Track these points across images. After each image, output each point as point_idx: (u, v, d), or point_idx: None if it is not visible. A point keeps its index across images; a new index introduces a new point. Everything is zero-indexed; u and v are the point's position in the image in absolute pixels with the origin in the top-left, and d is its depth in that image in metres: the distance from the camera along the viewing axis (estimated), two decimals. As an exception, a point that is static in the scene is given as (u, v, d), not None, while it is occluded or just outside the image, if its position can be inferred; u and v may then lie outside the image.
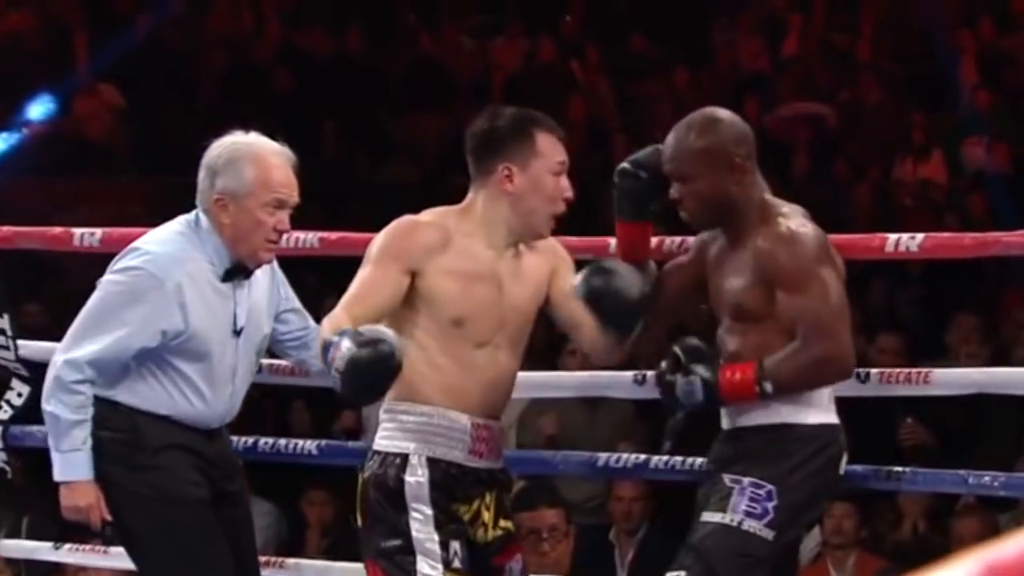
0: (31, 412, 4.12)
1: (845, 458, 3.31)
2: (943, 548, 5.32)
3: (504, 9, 11.06)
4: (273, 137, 3.42)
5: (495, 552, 3.28)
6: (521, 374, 3.37)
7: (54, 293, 7.38)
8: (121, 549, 3.58)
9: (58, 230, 4.10)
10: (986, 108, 9.39)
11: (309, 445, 3.96)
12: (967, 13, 10.13)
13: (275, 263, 3.49)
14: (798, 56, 10.22)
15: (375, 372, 3.02)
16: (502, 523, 3.29)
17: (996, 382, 3.66)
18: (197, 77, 10.29)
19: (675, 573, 3.23)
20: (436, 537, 3.15)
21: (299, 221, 3.64)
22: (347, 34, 10.52)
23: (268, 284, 3.47)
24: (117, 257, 3.37)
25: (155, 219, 3.59)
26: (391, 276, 3.14)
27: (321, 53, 10.45)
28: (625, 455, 3.90)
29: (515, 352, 3.29)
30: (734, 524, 3.20)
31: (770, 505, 3.20)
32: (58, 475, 3.34)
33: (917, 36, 10.12)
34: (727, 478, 3.23)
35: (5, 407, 4.10)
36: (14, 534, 5.78)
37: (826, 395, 3.27)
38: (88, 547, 4.06)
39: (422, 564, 3.15)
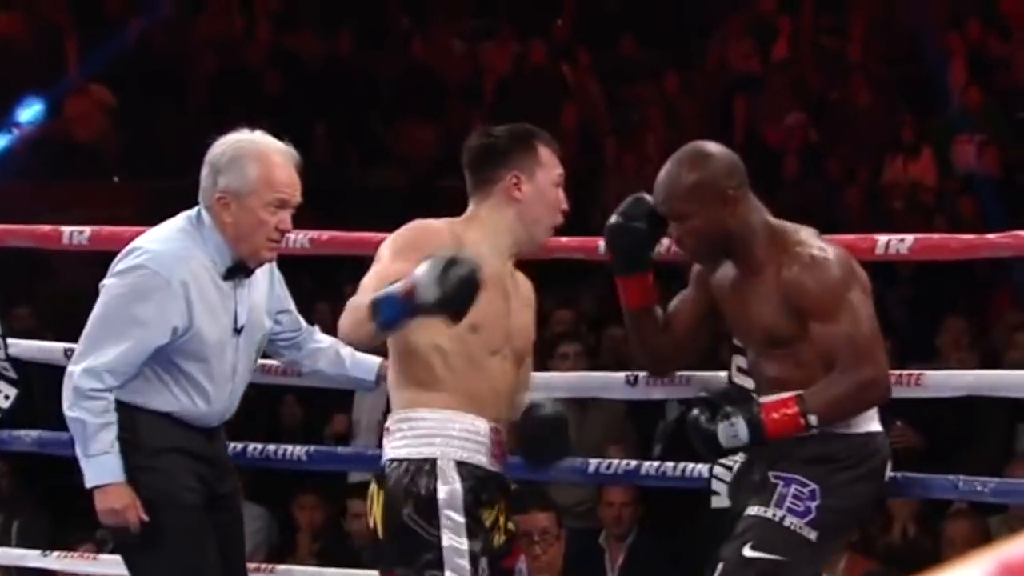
0: (18, 416, 4.12)
1: (889, 465, 3.32)
2: (933, 551, 5.33)
3: (495, 13, 11.06)
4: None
5: (504, 555, 3.28)
6: None
7: (43, 296, 7.38)
8: (110, 556, 3.57)
9: (47, 228, 4.07)
10: (976, 107, 9.42)
11: (299, 451, 3.95)
12: (955, 15, 10.15)
13: (273, 262, 3.48)
14: (788, 59, 10.23)
15: (463, 271, 2.93)
16: (508, 525, 3.30)
17: (986, 384, 3.66)
18: (187, 80, 10.29)
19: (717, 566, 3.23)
20: (467, 547, 3.12)
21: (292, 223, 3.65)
22: (338, 37, 10.52)
23: (267, 283, 3.47)
24: (118, 257, 3.35)
25: (146, 222, 3.58)
26: (410, 269, 3.02)
27: (312, 56, 10.44)
28: (616, 461, 3.89)
29: (520, 370, 3.30)
30: (776, 519, 3.20)
31: (813, 504, 3.20)
32: (89, 481, 3.30)
33: (906, 39, 10.14)
34: (772, 475, 3.23)
35: (-9, 410, 4.07)
36: (4, 538, 5.78)
37: (874, 412, 3.28)
38: (77, 554, 4.06)
39: None
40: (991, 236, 3.47)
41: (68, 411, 3.30)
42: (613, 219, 3.39)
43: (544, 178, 3.27)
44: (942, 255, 3.78)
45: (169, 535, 3.32)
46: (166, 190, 3.48)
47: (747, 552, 3.19)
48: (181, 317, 3.28)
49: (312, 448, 4.12)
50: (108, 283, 3.33)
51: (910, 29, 10.12)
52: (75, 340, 3.38)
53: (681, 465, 3.68)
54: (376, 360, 3.59)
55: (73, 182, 9.17)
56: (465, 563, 3.11)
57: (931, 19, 10.14)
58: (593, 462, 3.86)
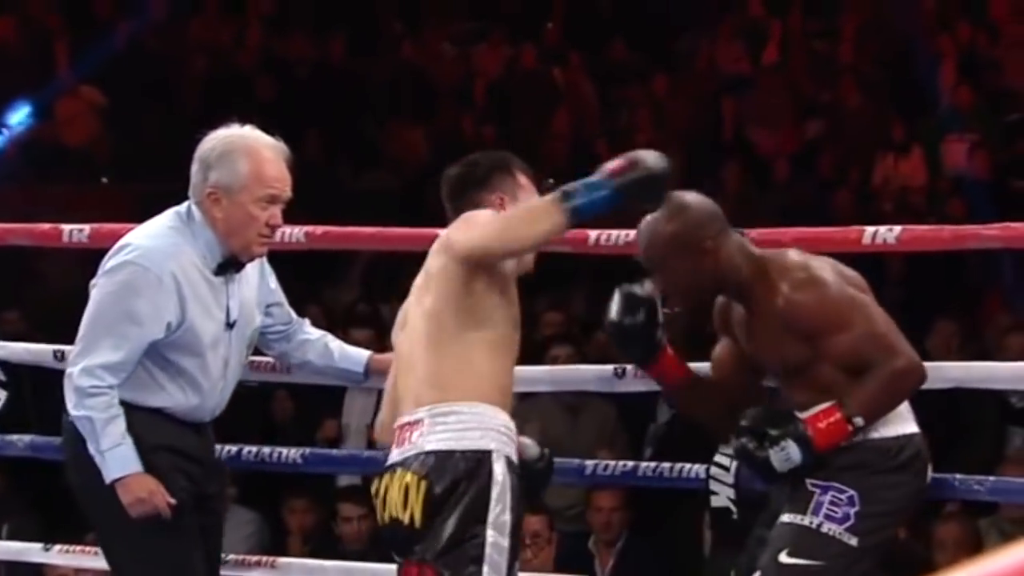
0: (9, 419, 4.11)
1: (930, 466, 3.32)
2: (924, 553, 5.33)
3: (486, 17, 11.07)
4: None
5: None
6: None
7: (33, 300, 7.37)
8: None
9: (46, 226, 4.04)
10: (966, 106, 9.44)
11: (294, 454, 3.95)
12: (945, 18, 10.17)
13: (264, 257, 3.47)
14: (779, 62, 10.25)
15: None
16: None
17: (974, 377, 3.67)
18: (178, 84, 10.28)
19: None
20: (507, 544, 3.10)
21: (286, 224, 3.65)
22: (329, 41, 10.51)
23: (257, 277, 3.47)
24: (108, 255, 3.34)
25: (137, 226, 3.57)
26: None
27: (303, 60, 10.44)
28: (612, 462, 3.89)
29: None
30: (813, 526, 3.20)
31: (852, 511, 3.20)
32: (109, 476, 3.28)
33: (896, 41, 10.16)
34: (808, 482, 3.23)
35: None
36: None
37: (902, 406, 3.28)
38: (78, 548, 4.05)
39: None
40: (980, 227, 3.48)
41: (74, 411, 3.29)
42: (611, 321, 3.37)
43: (525, 199, 3.31)
44: (931, 246, 3.79)
45: (158, 535, 3.32)
46: (158, 194, 3.47)
47: (783, 558, 3.19)
48: (174, 312, 3.27)
49: (307, 451, 4.12)
50: (99, 282, 3.32)
51: (900, 33, 10.14)
52: (65, 344, 3.37)
53: (678, 465, 3.68)
54: (365, 353, 3.60)
55: (65, 186, 9.16)
56: (503, 561, 3.10)
57: (921, 22, 10.16)
58: (590, 463, 3.86)
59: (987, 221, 3.62)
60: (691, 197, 3.32)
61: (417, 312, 3.20)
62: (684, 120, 9.98)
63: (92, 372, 3.26)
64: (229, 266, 3.35)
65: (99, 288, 3.31)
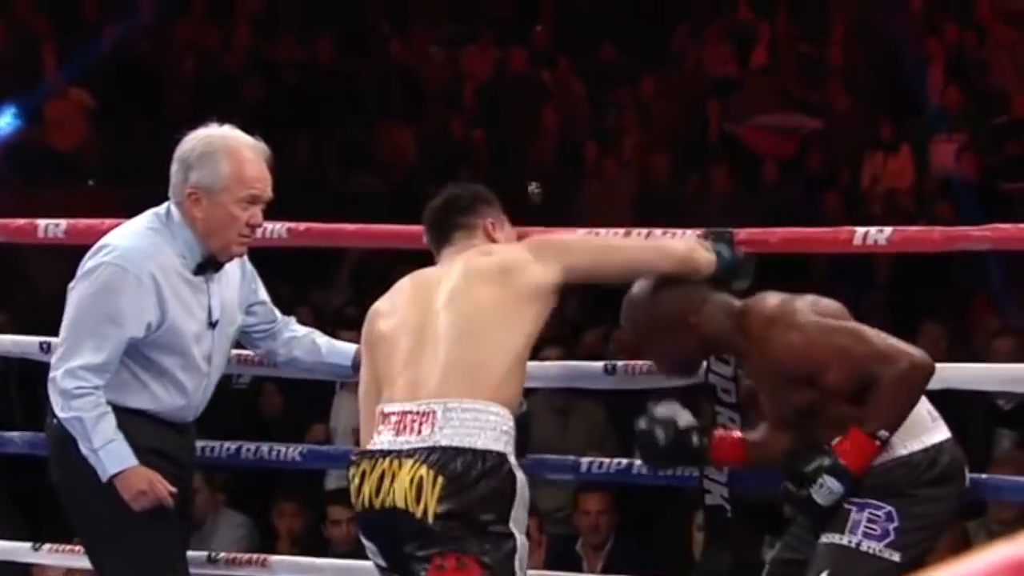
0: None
1: (967, 469, 3.31)
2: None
3: (475, 19, 11.07)
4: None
5: None
6: None
7: (21, 301, 7.36)
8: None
9: (22, 221, 4.02)
10: (954, 107, 9.46)
11: (292, 452, 3.96)
12: (933, 20, 10.20)
13: (245, 256, 3.47)
14: (767, 65, 10.26)
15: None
16: None
17: (961, 377, 3.67)
18: (166, 86, 10.27)
19: None
20: (526, 544, 3.10)
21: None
22: (318, 43, 10.51)
23: (239, 276, 3.47)
24: (87, 256, 3.34)
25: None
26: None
27: (291, 62, 10.43)
28: (608, 460, 3.89)
29: None
30: (852, 545, 3.19)
31: (891, 527, 3.19)
32: (105, 473, 3.28)
33: (885, 44, 10.18)
34: (844, 502, 3.22)
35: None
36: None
37: (925, 415, 3.28)
38: (68, 548, 4.04)
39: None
40: (970, 229, 3.49)
41: (61, 413, 3.29)
42: (647, 457, 3.44)
43: (508, 227, 3.36)
44: (921, 247, 3.79)
45: (145, 536, 3.32)
46: (146, 197, 3.46)
47: None
48: (153, 312, 3.27)
49: (306, 448, 4.12)
50: (77, 283, 3.32)
51: (888, 34, 10.16)
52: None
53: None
54: (352, 346, 3.59)
55: (52, 189, 9.14)
56: (527, 559, 3.11)
57: (909, 24, 10.18)
58: (585, 461, 3.86)
59: (975, 223, 3.63)
60: (664, 279, 3.34)
61: (460, 298, 3.16)
62: (672, 122, 10.00)
63: (75, 374, 3.27)
64: (208, 266, 3.35)
65: (78, 290, 3.32)
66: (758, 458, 3.40)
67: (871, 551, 3.18)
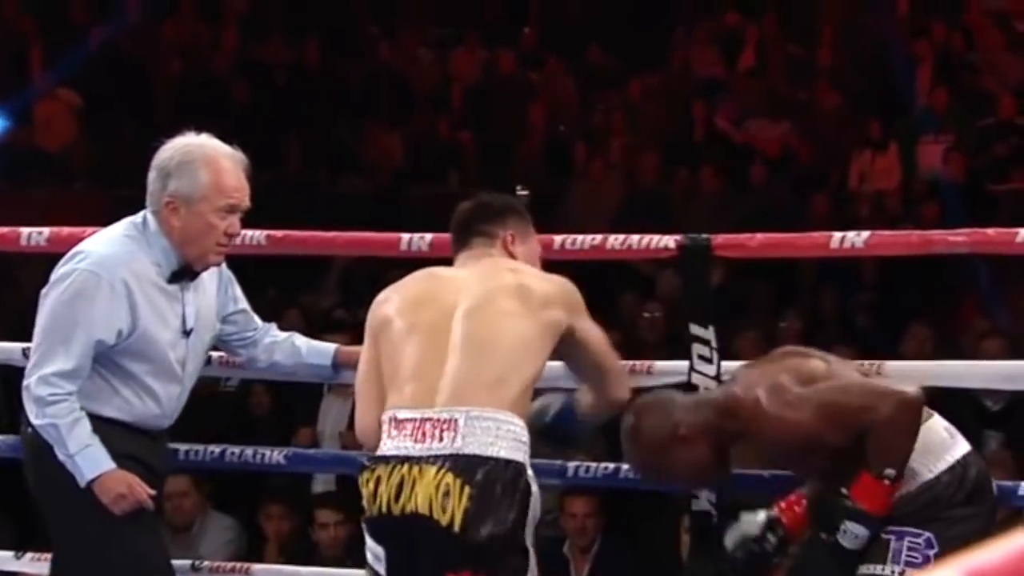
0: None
1: (992, 479, 3.31)
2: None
3: (463, 21, 11.07)
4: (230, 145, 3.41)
5: None
6: None
7: (6, 306, 7.34)
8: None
9: (5, 229, 3.99)
10: (942, 108, 9.48)
11: (277, 455, 3.95)
12: (920, 22, 10.22)
13: (223, 264, 3.47)
14: (755, 67, 10.28)
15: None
16: None
17: (947, 374, 3.67)
18: (153, 88, 10.25)
19: None
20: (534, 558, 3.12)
21: (255, 227, 3.65)
22: (305, 45, 10.50)
23: (216, 285, 3.47)
24: (61, 262, 3.35)
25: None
26: None
27: (279, 64, 10.42)
28: (594, 464, 3.89)
29: None
30: (894, 575, 3.19)
31: (931, 553, 3.18)
32: (83, 478, 3.27)
33: (873, 45, 10.20)
34: (881, 532, 3.21)
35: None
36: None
37: (943, 432, 3.27)
38: (51, 555, 4.02)
39: None
40: (948, 232, 3.49)
41: (36, 420, 3.29)
42: (747, 568, 3.41)
43: (533, 243, 3.37)
44: (899, 251, 3.79)
45: (124, 542, 3.31)
46: (134, 199, 3.45)
47: None
48: (125, 319, 3.27)
49: (291, 451, 4.11)
50: (49, 290, 3.32)
51: (877, 36, 10.18)
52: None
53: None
54: (331, 346, 3.60)
55: (40, 190, 9.13)
56: (536, 568, 3.12)
57: (896, 26, 10.20)
58: (572, 465, 3.85)
59: (961, 225, 3.63)
60: (641, 403, 3.34)
61: (482, 311, 3.14)
62: (660, 123, 10.01)
63: (48, 381, 3.26)
64: (183, 274, 3.35)
65: (51, 296, 3.31)
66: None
67: None
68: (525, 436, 3.09)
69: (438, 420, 3.06)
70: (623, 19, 10.65)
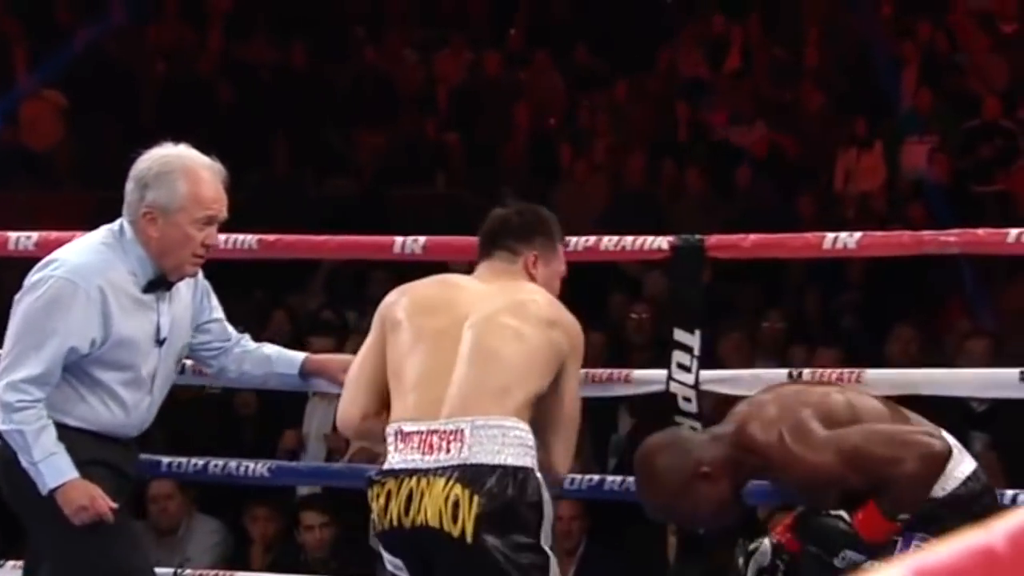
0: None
1: (995, 491, 3.32)
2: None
3: (448, 23, 11.07)
4: (214, 151, 3.40)
5: None
6: None
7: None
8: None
9: (-6, 234, 4.02)
10: (926, 108, 9.50)
11: (260, 468, 3.93)
12: (905, 23, 10.23)
13: (199, 273, 3.46)
14: (740, 69, 10.29)
15: None
16: None
17: (931, 381, 3.67)
18: (139, 90, 10.24)
19: None
20: (556, 561, 3.12)
21: (241, 230, 3.64)
22: (291, 47, 10.49)
23: (191, 295, 3.46)
24: (35, 269, 3.34)
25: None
26: None
27: (264, 65, 10.41)
28: (579, 476, 3.88)
29: None
30: None
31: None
32: (45, 486, 3.26)
33: (857, 47, 10.21)
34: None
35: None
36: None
37: (953, 449, 3.27)
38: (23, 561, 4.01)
39: None
40: (939, 233, 3.50)
41: (3, 426, 3.28)
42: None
43: (556, 265, 3.35)
44: (891, 251, 3.80)
45: (100, 546, 3.30)
46: (117, 200, 3.45)
47: None
48: (98, 328, 3.26)
49: (274, 464, 4.10)
50: (23, 296, 3.31)
51: (861, 37, 10.19)
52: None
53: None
54: (300, 355, 3.59)
55: (24, 192, 9.11)
56: (558, 571, 3.13)
57: (881, 28, 10.22)
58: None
59: (946, 226, 3.63)
60: (653, 442, 3.29)
61: (494, 324, 3.15)
62: (645, 125, 10.01)
63: (17, 387, 3.25)
64: (159, 284, 3.34)
65: (24, 303, 3.30)
66: None
67: None
68: (531, 441, 3.09)
69: (444, 432, 3.08)
70: (609, 20, 10.66)
